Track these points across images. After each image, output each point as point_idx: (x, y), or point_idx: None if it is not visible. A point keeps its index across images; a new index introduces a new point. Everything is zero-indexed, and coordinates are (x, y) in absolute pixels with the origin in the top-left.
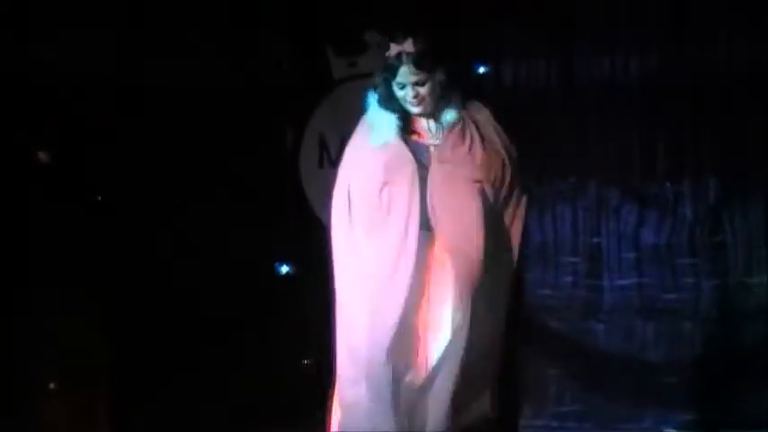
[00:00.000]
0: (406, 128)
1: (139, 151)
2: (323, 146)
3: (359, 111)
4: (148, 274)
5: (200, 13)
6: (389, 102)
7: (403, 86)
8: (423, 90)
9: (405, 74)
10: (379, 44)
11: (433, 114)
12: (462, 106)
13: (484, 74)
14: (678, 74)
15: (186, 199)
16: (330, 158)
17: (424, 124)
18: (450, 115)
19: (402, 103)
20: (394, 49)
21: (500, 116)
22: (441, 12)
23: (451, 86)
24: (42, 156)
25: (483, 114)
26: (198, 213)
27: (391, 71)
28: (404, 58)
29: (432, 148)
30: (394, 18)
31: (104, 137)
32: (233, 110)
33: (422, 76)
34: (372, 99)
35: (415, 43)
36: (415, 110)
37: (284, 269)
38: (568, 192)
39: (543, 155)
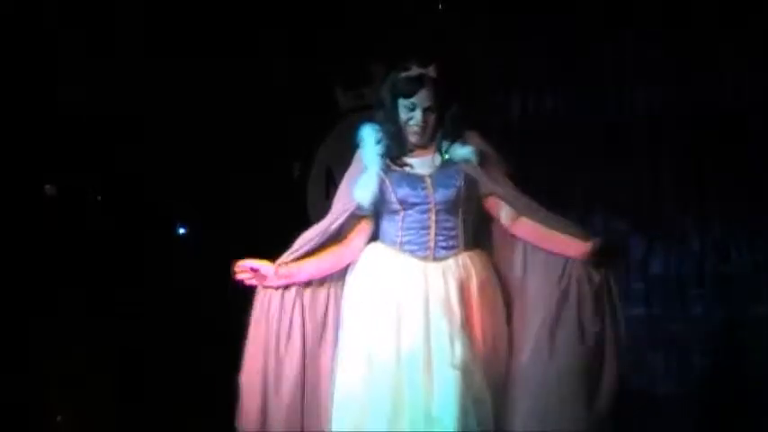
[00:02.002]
0: (397, 160)
1: (144, 180)
2: (329, 177)
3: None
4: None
5: (210, 45)
6: (390, 124)
7: (413, 108)
8: (431, 119)
9: (423, 97)
10: (385, 76)
11: (428, 147)
12: (462, 141)
13: (492, 105)
14: (684, 104)
15: (193, 228)
16: (336, 189)
17: (418, 156)
18: (463, 152)
19: (403, 126)
20: (416, 70)
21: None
22: (447, 44)
23: (455, 122)
24: (49, 189)
25: (479, 140)
26: (205, 243)
27: (407, 91)
28: (426, 81)
29: (427, 179)
30: (402, 51)
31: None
32: (241, 141)
33: (436, 104)
34: (368, 133)
35: (437, 70)
36: (413, 138)
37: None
38: (575, 222)
39: (550, 185)
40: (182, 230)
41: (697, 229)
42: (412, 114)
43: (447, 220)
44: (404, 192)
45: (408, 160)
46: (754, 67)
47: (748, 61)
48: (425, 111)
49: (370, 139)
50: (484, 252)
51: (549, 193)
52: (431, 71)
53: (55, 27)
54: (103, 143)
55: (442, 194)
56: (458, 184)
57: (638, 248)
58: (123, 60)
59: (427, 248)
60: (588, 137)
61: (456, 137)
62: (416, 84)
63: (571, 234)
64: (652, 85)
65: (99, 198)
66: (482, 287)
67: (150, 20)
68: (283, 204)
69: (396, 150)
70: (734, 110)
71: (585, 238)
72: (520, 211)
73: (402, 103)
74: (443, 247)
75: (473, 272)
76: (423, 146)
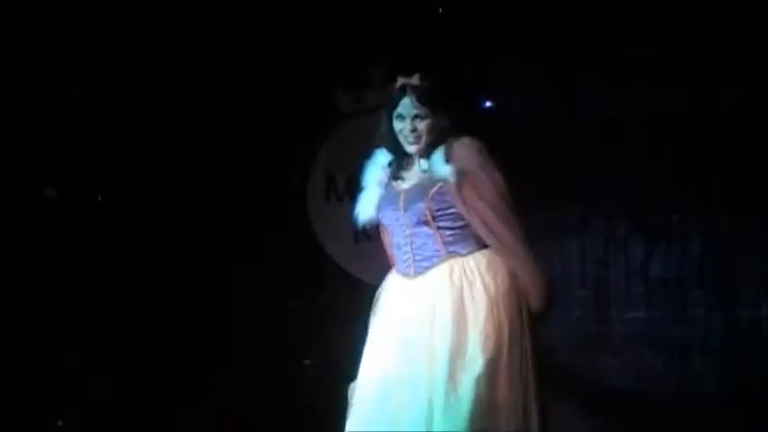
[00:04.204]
0: (396, 173)
1: (146, 185)
2: (330, 180)
3: (366, 145)
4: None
5: (210, 50)
6: (388, 138)
7: (402, 119)
8: (421, 126)
9: (406, 105)
10: (384, 79)
11: (425, 155)
12: (449, 155)
13: (489, 106)
14: (684, 104)
15: (194, 232)
16: (337, 193)
17: (414, 166)
18: (443, 171)
19: (398, 136)
20: (400, 80)
21: (497, 148)
22: (443, 46)
23: (443, 129)
24: (49, 192)
25: (465, 152)
26: (206, 246)
27: (393, 102)
28: (408, 90)
29: (402, 195)
30: (399, 54)
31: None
32: (242, 143)
33: (422, 111)
34: (377, 154)
35: (421, 78)
36: (410, 148)
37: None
38: (575, 224)
39: (549, 187)
40: (181, 232)
41: (697, 232)
42: (402, 125)
43: (421, 234)
44: (383, 212)
45: (404, 174)
46: (754, 66)
47: (749, 61)
48: (413, 119)
49: (376, 158)
50: (485, 252)
51: (547, 195)
52: (414, 80)
53: (55, 27)
54: (103, 144)
55: (410, 211)
56: (424, 201)
57: (638, 251)
58: (123, 61)
59: (408, 266)
60: (588, 138)
61: (440, 144)
62: (400, 94)
63: (529, 278)
64: (651, 82)
65: (99, 198)
66: (470, 290)
67: (151, 20)
68: (283, 207)
69: (397, 165)
70: (734, 110)
71: (541, 285)
72: (489, 244)
73: (393, 115)
74: (422, 259)
75: (457, 276)
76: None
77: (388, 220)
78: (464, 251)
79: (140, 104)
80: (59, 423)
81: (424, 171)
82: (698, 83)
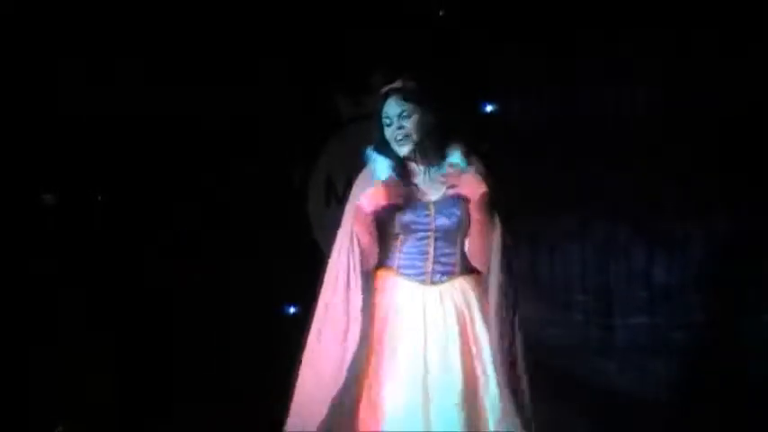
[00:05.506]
0: (403, 179)
1: (146, 185)
2: (330, 185)
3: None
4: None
5: (210, 50)
6: (384, 148)
7: (390, 122)
8: (408, 124)
9: (390, 105)
10: (386, 83)
11: (429, 166)
12: (467, 161)
13: (490, 110)
14: (684, 104)
15: (194, 232)
16: (337, 197)
17: (420, 178)
18: (455, 158)
19: (392, 144)
20: (385, 88)
21: (502, 155)
22: (443, 49)
23: (450, 135)
24: (48, 198)
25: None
26: (206, 246)
27: (379, 106)
28: (391, 93)
29: (431, 205)
30: (399, 57)
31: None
32: (243, 146)
33: (407, 108)
34: (371, 153)
35: (404, 80)
36: (402, 150)
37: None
38: (577, 229)
39: (549, 188)
40: (181, 232)
41: (698, 234)
42: (390, 129)
43: (445, 247)
44: (407, 218)
45: (414, 181)
46: (754, 66)
47: (749, 61)
48: (399, 118)
49: (379, 157)
50: (480, 276)
51: (549, 200)
52: (396, 83)
53: (53, 28)
54: (103, 144)
55: (442, 222)
56: (459, 213)
57: (639, 256)
58: (122, 61)
59: (424, 273)
60: (588, 138)
61: (437, 144)
62: (384, 97)
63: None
64: (652, 84)
65: (99, 198)
66: (482, 308)
67: (150, 20)
68: (283, 207)
69: (398, 169)
70: (734, 110)
71: None
72: (490, 263)
73: (383, 123)
74: (440, 272)
75: (471, 294)
76: (413, 159)
77: (415, 225)
78: (464, 272)
79: (140, 104)
80: (60, 429)
81: (443, 183)
82: (698, 83)
